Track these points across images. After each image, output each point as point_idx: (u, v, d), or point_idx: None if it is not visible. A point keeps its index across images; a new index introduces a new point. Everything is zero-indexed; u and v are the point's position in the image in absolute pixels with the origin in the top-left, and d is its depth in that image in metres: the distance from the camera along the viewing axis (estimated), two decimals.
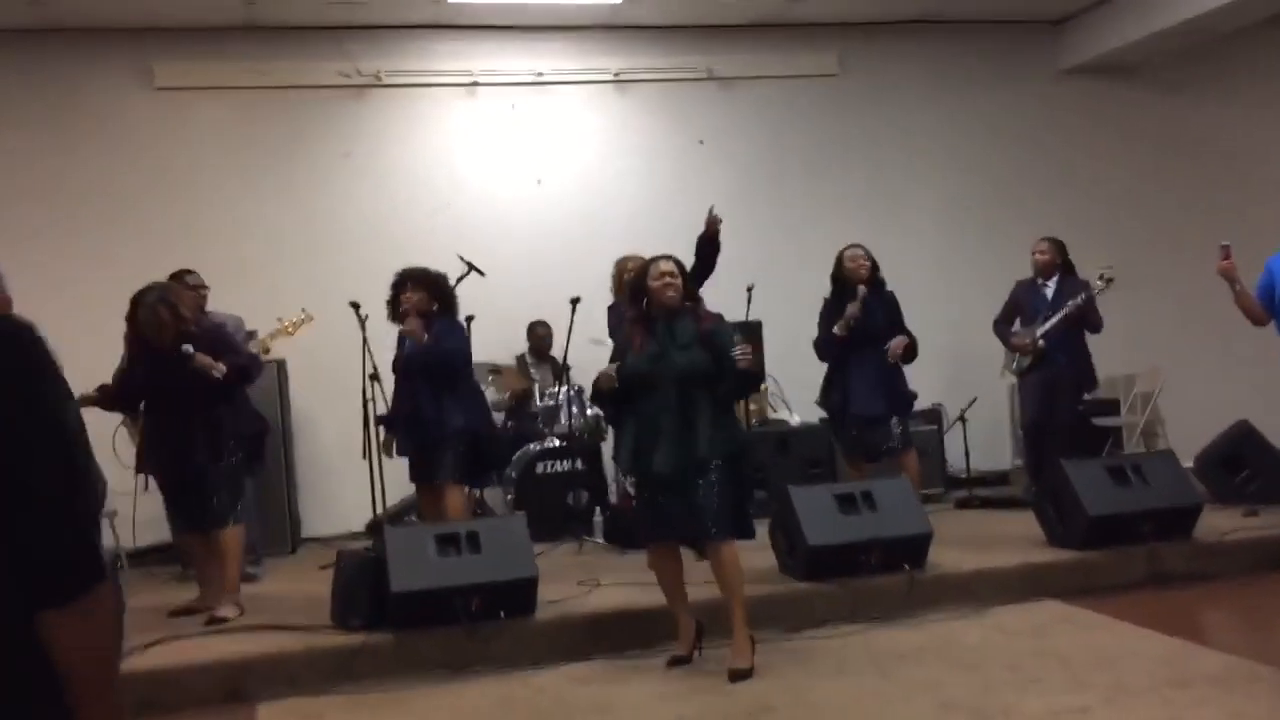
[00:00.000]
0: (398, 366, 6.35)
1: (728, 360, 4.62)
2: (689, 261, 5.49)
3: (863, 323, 6.62)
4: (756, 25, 9.20)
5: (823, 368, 7.03)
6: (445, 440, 6.13)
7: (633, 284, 4.98)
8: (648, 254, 6.93)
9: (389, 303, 6.34)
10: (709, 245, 6.27)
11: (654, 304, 4.81)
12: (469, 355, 6.39)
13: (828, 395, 6.93)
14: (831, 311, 6.78)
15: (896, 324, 6.79)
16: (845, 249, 6.83)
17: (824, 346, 6.83)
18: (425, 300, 6.21)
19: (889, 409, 6.68)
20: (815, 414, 8.26)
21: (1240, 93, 10.07)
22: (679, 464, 4.64)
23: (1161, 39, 9.06)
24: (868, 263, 6.71)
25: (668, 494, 4.70)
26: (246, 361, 5.91)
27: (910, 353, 6.78)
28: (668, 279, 4.79)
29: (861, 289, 6.60)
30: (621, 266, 6.72)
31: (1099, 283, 7.49)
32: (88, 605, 1.55)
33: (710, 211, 6.30)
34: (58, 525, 1.54)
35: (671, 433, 4.65)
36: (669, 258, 4.90)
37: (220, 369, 5.59)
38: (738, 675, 4.61)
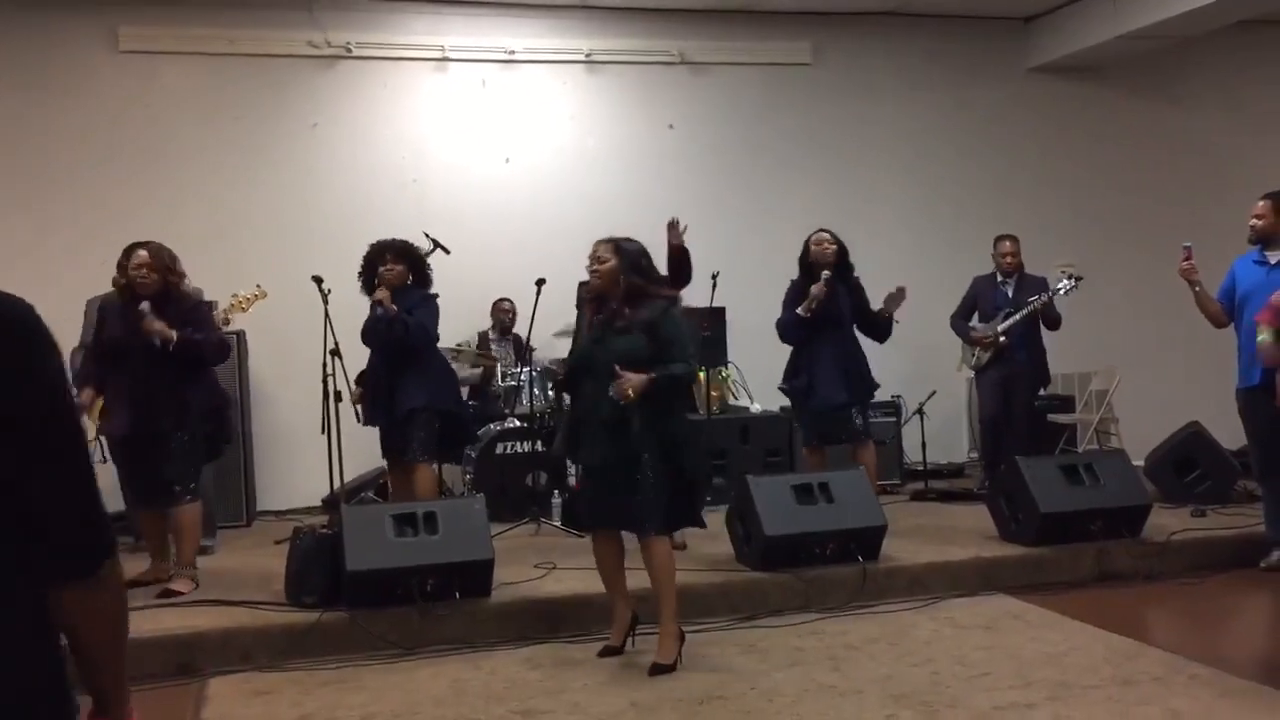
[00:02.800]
0: (362, 335, 6.31)
1: (671, 350, 4.55)
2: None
3: (827, 308, 6.60)
4: (729, 11, 9.20)
5: (784, 357, 7.05)
6: (412, 418, 6.11)
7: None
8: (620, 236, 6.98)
9: (363, 273, 6.27)
10: (676, 258, 6.16)
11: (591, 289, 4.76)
12: (435, 333, 6.37)
13: (791, 379, 6.89)
14: (796, 293, 6.74)
15: (862, 311, 6.78)
16: (813, 233, 6.82)
17: (786, 327, 6.78)
18: (403, 274, 6.19)
19: (851, 397, 6.68)
20: (776, 402, 8.31)
21: (1202, 96, 10.20)
22: (606, 456, 4.58)
23: (1128, 41, 9.16)
24: (834, 245, 6.68)
25: (601, 484, 4.67)
26: (214, 343, 5.77)
27: (880, 328, 6.79)
28: (592, 264, 4.70)
29: (825, 272, 6.57)
30: None
31: (1067, 282, 7.60)
32: (104, 577, 1.59)
33: (672, 225, 6.20)
34: (80, 500, 1.57)
35: (603, 423, 4.56)
36: (609, 241, 4.74)
37: (171, 336, 5.50)
38: (658, 670, 4.59)
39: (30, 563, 1.53)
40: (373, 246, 6.29)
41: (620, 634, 4.87)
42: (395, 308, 6.04)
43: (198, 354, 5.67)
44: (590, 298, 4.78)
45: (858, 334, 6.87)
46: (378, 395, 6.26)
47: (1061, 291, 7.58)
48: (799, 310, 6.62)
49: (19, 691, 1.51)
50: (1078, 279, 7.66)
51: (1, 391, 1.50)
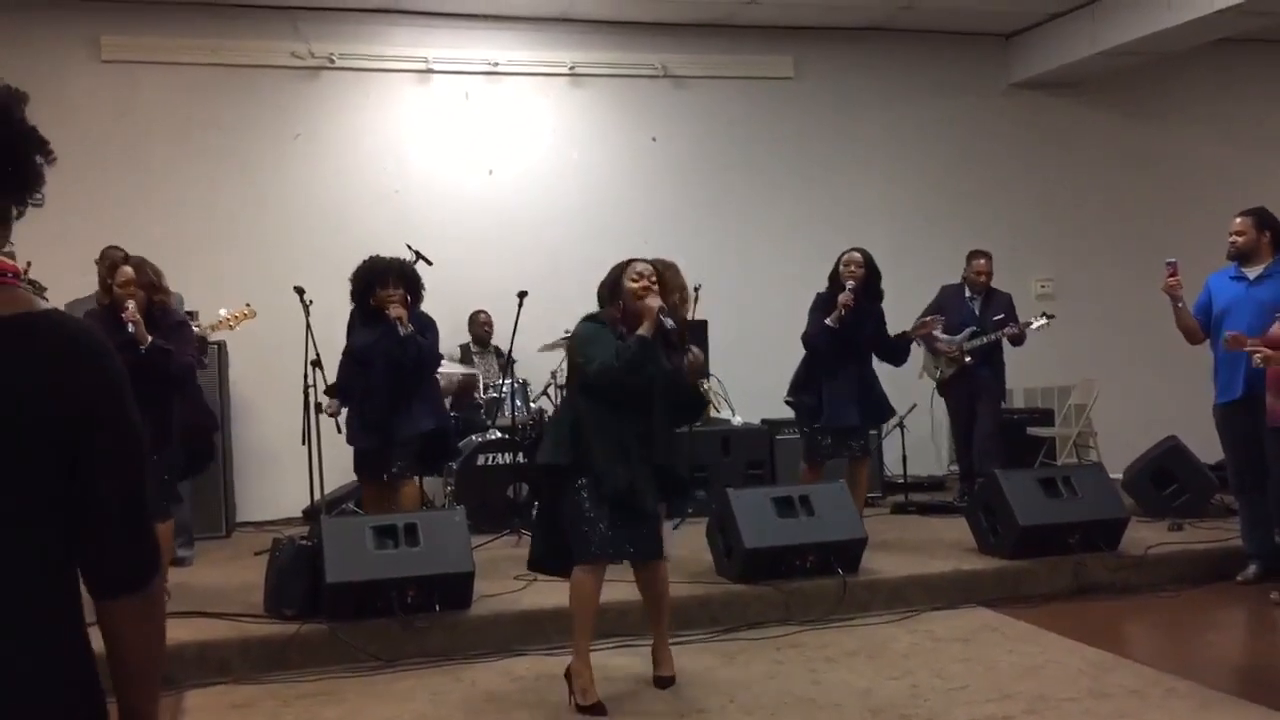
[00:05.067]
0: (360, 353, 6.08)
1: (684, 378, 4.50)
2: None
3: (852, 328, 6.51)
4: (712, 25, 9.24)
5: (767, 369, 7.07)
6: (411, 441, 6.06)
7: (611, 282, 4.55)
8: (603, 249, 6.99)
9: (359, 289, 6.08)
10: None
11: (629, 307, 4.44)
12: (440, 355, 6.38)
13: (801, 393, 6.76)
14: (823, 304, 6.64)
15: (880, 339, 6.71)
16: (845, 251, 6.69)
17: (816, 337, 6.60)
18: (404, 298, 6.03)
19: (863, 421, 6.65)
20: (757, 414, 8.34)
21: (1181, 113, 10.28)
22: (643, 479, 4.40)
23: (1108, 58, 9.23)
24: (861, 270, 6.54)
25: (630, 510, 4.38)
26: (182, 362, 5.57)
27: (899, 351, 6.79)
28: (647, 281, 4.44)
29: (851, 281, 6.49)
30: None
31: (1041, 319, 7.70)
32: (154, 591, 1.68)
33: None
34: (138, 515, 1.65)
35: (646, 453, 4.40)
36: (652, 261, 4.59)
37: (145, 339, 5.35)
38: (670, 682, 4.61)
39: (87, 575, 1.63)
40: (371, 264, 6.10)
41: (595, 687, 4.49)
42: (412, 327, 5.97)
43: (164, 364, 5.48)
44: (631, 316, 4.43)
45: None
46: (372, 415, 6.06)
47: (1033, 327, 7.69)
48: (828, 321, 6.52)
49: (61, 702, 1.57)
50: (1050, 318, 7.78)
51: (71, 409, 1.56)
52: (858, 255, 6.63)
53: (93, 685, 1.63)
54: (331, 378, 6.45)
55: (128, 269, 5.54)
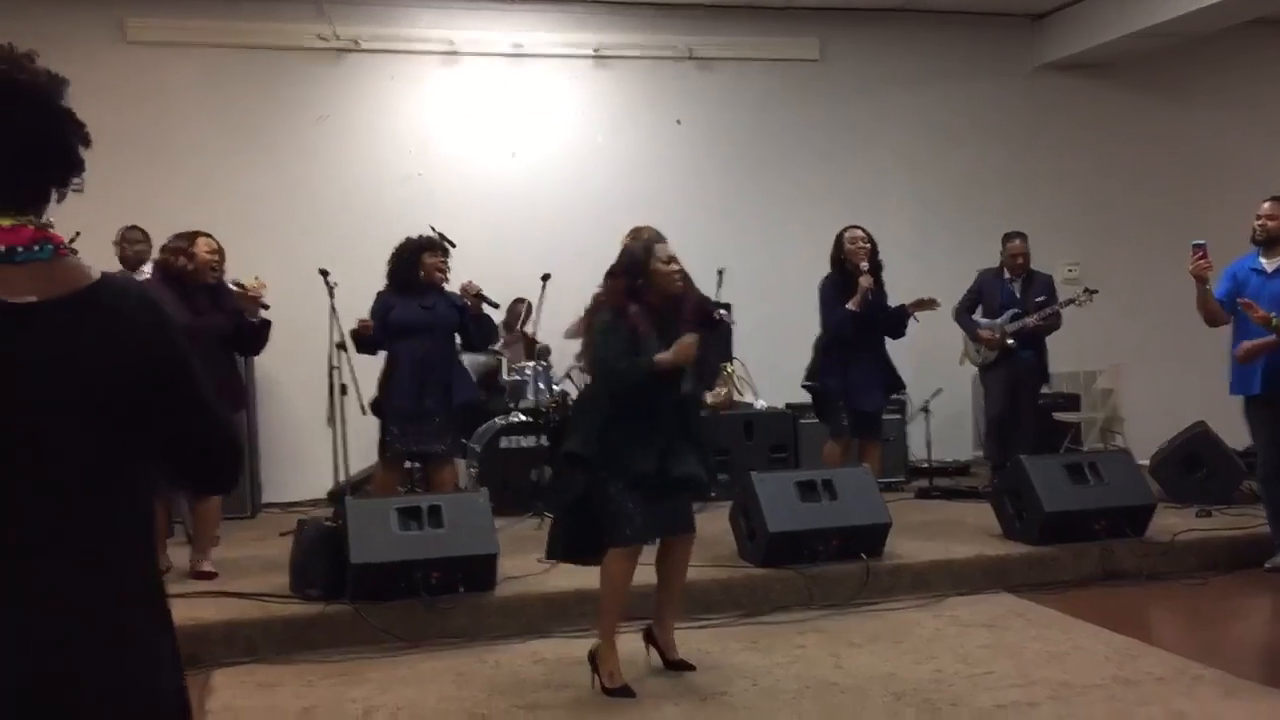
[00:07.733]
0: (402, 327, 6.06)
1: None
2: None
3: (868, 308, 6.55)
4: (737, 6, 9.19)
5: (791, 352, 7.04)
6: (456, 412, 6.19)
7: (632, 262, 4.41)
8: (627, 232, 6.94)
9: (404, 264, 6.11)
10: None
11: (656, 291, 4.35)
12: None
13: (825, 377, 6.74)
14: (835, 289, 6.64)
15: (882, 308, 6.75)
16: (845, 229, 6.73)
17: (842, 324, 6.57)
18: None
19: (885, 398, 6.85)
20: (781, 398, 8.32)
21: (1211, 95, 10.16)
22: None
23: (1138, 39, 9.14)
24: (867, 245, 6.61)
25: (663, 488, 4.34)
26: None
27: (899, 323, 6.82)
28: (675, 266, 4.38)
29: (864, 263, 6.53)
30: (636, 236, 6.70)
31: (1083, 296, 7.61)
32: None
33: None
34: (223, 442, 1.85)
35: (687, 438, 4.37)
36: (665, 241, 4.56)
37: (263, 305, 5.78)
38: (687, 666, 4.59)
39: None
40: (420, 240, 6.19)
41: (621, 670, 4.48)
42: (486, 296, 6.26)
43: (264, 334, 5.92)
44: (661, 302, 4.37)
45: None
46: (426, 389, 6.03)
47: (1076, 304, 7.60)
48: (850, 306, 6.53)
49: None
50: (1093, 293, 7.66)
51: (151, 365, 1.69)
52: (861, 232, 6.68)
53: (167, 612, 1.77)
54: (354, 359, 6.46)
55: (213, 240, 5.87)
